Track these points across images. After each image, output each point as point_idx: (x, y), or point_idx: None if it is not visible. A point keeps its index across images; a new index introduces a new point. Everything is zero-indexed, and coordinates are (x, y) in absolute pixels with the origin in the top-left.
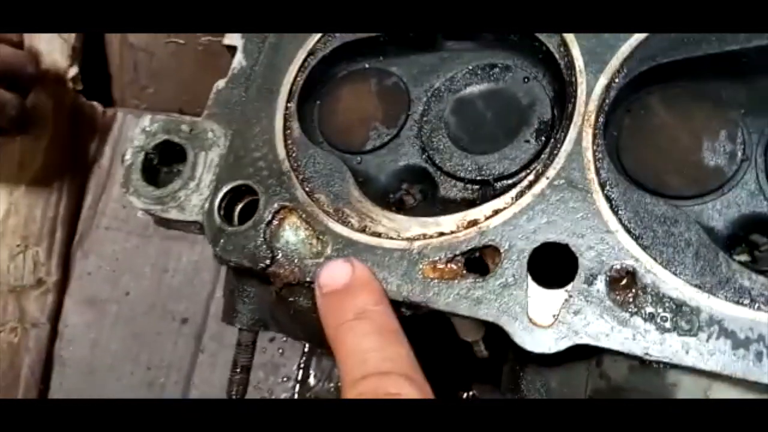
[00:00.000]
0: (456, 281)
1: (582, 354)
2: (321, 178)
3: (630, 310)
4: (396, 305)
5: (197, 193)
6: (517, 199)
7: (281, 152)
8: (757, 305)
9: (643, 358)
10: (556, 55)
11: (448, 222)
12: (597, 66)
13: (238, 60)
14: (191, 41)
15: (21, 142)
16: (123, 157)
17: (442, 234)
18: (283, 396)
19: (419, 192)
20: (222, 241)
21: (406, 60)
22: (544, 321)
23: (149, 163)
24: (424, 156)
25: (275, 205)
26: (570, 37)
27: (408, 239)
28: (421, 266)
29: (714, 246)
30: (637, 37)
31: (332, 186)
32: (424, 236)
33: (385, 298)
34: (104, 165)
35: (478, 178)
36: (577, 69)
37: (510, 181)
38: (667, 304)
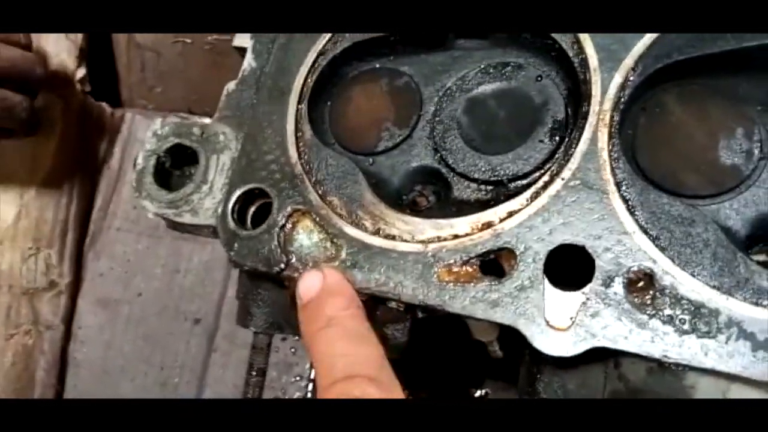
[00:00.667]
0: (472, 284)
1: (599, 356)
2: (334, 180)
3: (648, 312)
4: (411, 308)
5: (210, 196)
6: (532, 201)
7: (293, 155)
8: None
9: (662, 361)
10: (570, 53)
11: (463, 224)
12: (611, 64)
13: (248, 61)
14: (198, 40)
15: (30, 144)
16: (135, 161)
17: (456, 236)
18: (296, 395)
19: (432, 193)
20: (236, 245)
21: (417, 59)
22: (561, 324)
23: (161, 166)
24: (436, 157)
25: (288, 209)
26: (583, 35)
27: (422, 242)
28: (436, 269)
29: (732, 246)
30: (651, 35)
31: (345, 189)
32: (439, 239)
33: (354, 301)
34: (114, 166)
35: (492, 178)
36: (591, 67)
37: (524, 182)
38: (685, 306)
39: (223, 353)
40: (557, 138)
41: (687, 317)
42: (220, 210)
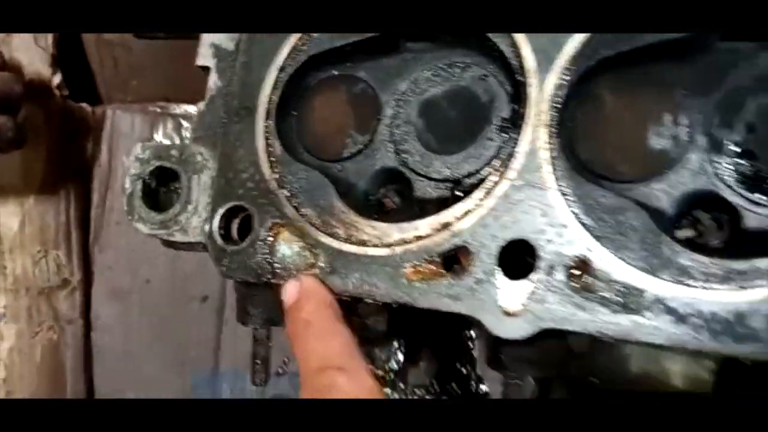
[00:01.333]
0: (436, 281)
1: (551, 333)
2: (306, 193)
3: (586, 295)
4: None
5: (196, 215)
6: (483, 200)
7: (266, 172)
8: (695, 283)
9: (599, 337)
10: (509, 56)
11: (424, 226)
12: (547, 65)
13: (213, 81)
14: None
15: (21, 155)
16: (123, 186)
17: (419, 238)
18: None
19: (396, 194)
20: (225, 260)
21: (372, 64)
22: (514, 310)
23: (148, 188)
24: (398, 159)
25: (268, 223)
26: (521, 37)
27: (390, 245)
28: (403, 270)
29: (657, 230)
30: (583, 34)
31: (317, 200)
32: (404, 241)
33: (324, 303)
34: (104, 163)
35: (449, 177)
36: (529, 70)
37: (477, 178)
38: (617, 288)
39: (233, 326)
40: (505, 135)
41: (619, 298)
42: (206, 228)
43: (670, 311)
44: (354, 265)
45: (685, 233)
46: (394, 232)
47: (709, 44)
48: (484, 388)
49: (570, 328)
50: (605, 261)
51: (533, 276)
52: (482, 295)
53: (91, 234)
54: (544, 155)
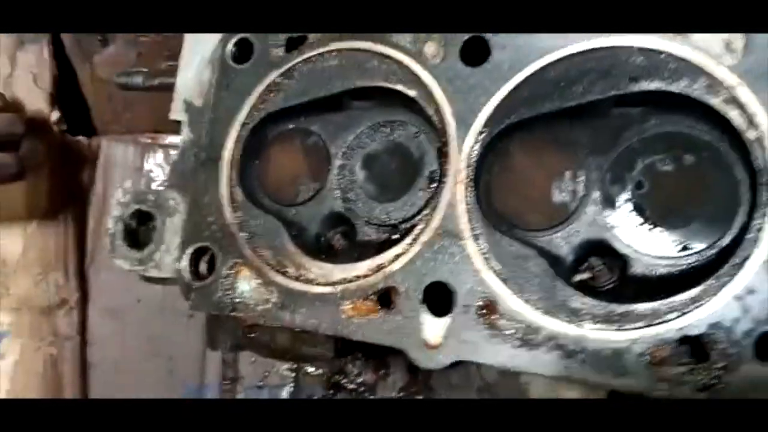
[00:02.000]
0: (370, 317)
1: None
2: (263, 236)
3: (493, 332)
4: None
5: (168, 254)
6: (411, 246)
7: (228, 216)
8: (583, 323)
9: (503, 369)
10: (434, 119)
11: (362, 267)
12: (464, 129)
13: (185, 134)
14: (153, 70)
15: (24, 186)
16: (106, 227)
17: (358, 277)
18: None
19: (343, 237)
20: (192, 295)
21: (323, 119)
22: (435, 343)
23: (128, 228)
24: (344, 205)
25: (230, 262)
26: (443, 101)
27: (332, 284)
28: (343, 307)
29: (555, 276)
30: (495, 100)
31: (272, 242)
32: (345, 280)
33: None
34: (99, 191)
35: (387, 223)
36: (449, 133)
37: (410, 224)
38: (519, 326)
39: None
40: (433, 186)
41: (520, 335)
42: (177, 266)
43: (561, 347)
44: (301, 301)
45: (582, 276)
46: (336, 272)
47: (605, 109)
48: None
49: (480, 360)
50: (510, 302)
51: (451, 314)
52: (408, 330)
53: (87, 257)
54: (462, 207)
